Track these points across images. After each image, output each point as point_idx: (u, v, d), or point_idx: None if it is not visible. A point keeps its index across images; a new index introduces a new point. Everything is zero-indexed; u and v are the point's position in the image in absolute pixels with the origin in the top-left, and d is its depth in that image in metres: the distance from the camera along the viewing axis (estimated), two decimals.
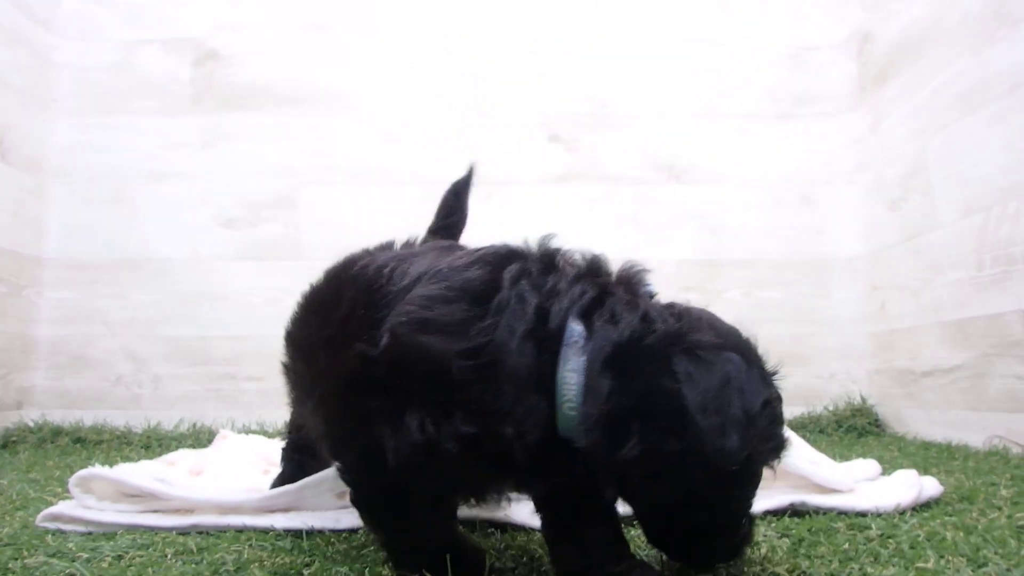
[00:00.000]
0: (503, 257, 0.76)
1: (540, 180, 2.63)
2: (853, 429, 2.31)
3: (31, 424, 2.39)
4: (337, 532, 1.03)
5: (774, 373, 0.80)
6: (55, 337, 2.53)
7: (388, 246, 0.98)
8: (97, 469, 1.17)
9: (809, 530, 1.00)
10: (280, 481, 1.22)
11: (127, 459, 1.96)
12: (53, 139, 2.59)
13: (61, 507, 1.14)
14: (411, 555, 0.78)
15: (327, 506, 1.11)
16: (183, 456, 1.61)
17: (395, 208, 2.42)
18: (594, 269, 0.79)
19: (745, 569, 0.81)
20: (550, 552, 0.82)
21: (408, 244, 0.98)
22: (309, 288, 0.99)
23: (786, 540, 0.95)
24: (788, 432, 1.37)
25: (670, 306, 0.79)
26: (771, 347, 2.75)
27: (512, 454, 0.68)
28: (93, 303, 2.55)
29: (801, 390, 2.47)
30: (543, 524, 0.82)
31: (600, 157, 2.65)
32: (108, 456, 2.03)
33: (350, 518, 1.05)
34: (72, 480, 1.16)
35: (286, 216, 2.60)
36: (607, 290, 0.75)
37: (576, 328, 0.71)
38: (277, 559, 0.91)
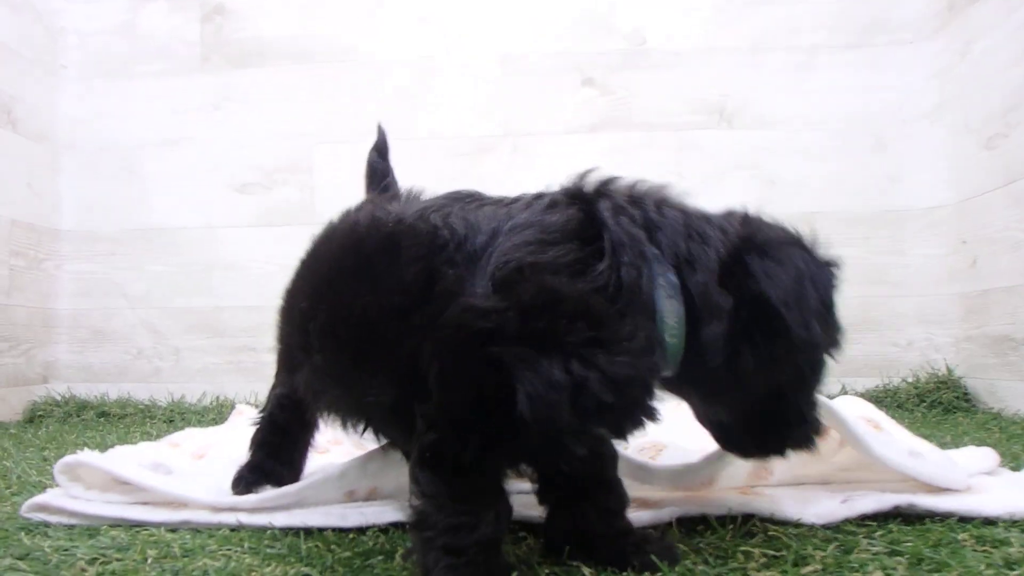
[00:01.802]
0: (572, 196, 0.76)
1: (572, 130, 2.42)
2: (938, 404, 2.05)
3: (57, 398, 2.34)
4: (342, 533, 0.89)
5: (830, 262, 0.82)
6: (76, 311, 2.47)
7: (385, 200, 0.90)
8: (84, 455, 1.05)
9: (927, 544, 0.78)
10: (248, 471, 1.07)
11: (147, 434, 1.88)
12: (61, 108, 2.50)
13: (47, 496, 1.03)
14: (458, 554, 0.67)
15: (332, 501, 0.97)
16: (189, 436, 1.50)
17: (415, 168, 2.25)
18: (658, 194, 0.82)
19: None
20: (551, 516, 0.80)
21: (412, 195, 0.89)
22: (321, 258, 0.93)
23: (900, 560, 0.74)
24: (881, 417, 1.19)
25: (730, 213, 0.83)
26: (839, 311, 2.51)
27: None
28: (111, 276, 2.47)
29: (874, 359, 2.24)
30: (545, 489, 0.80)
31: (639, 101, 2.42)
32: (129, 431, 1.96)
33: (357, 516, 0.91)
34: (57, 467, 1.05)
35: (301, 180, 2.46)
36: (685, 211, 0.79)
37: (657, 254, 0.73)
38: (267, 568, 0.77)
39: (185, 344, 2.43)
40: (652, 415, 0.72)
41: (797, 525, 0.88)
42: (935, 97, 2.30)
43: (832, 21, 2.36)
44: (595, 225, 0.71)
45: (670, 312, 0.70)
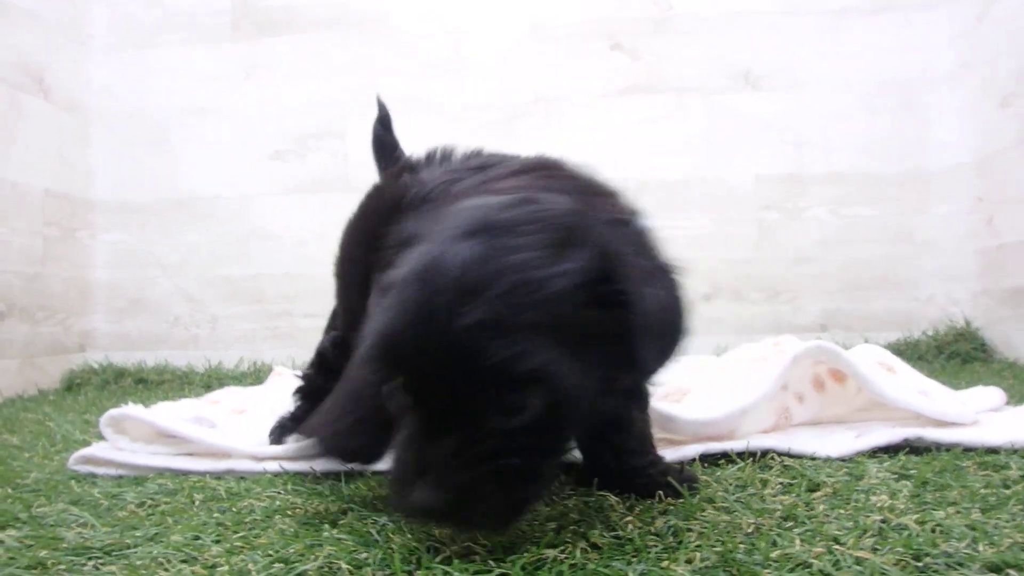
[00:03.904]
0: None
1: (602, 95, 2.41)
2: (956, 355, 2.08)
3: (95, 366, 2.41)
4: (384, 475, 0.93)
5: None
6: (112, 280, 2.52)
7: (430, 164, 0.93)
8: (129, 408, 1.10)
9: (932, 471, 0.82)
10: (289, 420, 1.12)
11: (183, 397, 1.94)
12: (92, 78, 2.53)
13: (93, 449, 1.08)
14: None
15: None
16: (229, 394, 1.55)
17: (449, 137, 2.27)
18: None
19: (864, 519, 0.66)
20: (584, 453, 0.84)
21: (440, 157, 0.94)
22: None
23: (907, 483, 0.78)
24: (895, 361, 1.19)
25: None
26: (862, 268, 2.52)
27: None
28: (146, 245, 2.52)
29: (896, 314, 2.24)
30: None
31: (668, 66, 2.39)
32: (168, 397, 2.01)
33: None
34: (103, 419, 1.09)
35: (334, 146, 2.48)
36: None
37: None
38: (311, 506, 0.81)
39: (222, 311, 2.48)
40: None
41: (812, 458, 0.92)
42: (957, 58, 2.26)
43: None
44: None
45: None
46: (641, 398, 0.83)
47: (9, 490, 0.94)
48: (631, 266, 0.61)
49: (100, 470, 1.04)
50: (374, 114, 1.26)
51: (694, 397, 1.11)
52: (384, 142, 1.29)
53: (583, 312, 0.58)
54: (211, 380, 2.27)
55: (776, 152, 2.34)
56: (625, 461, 0.80)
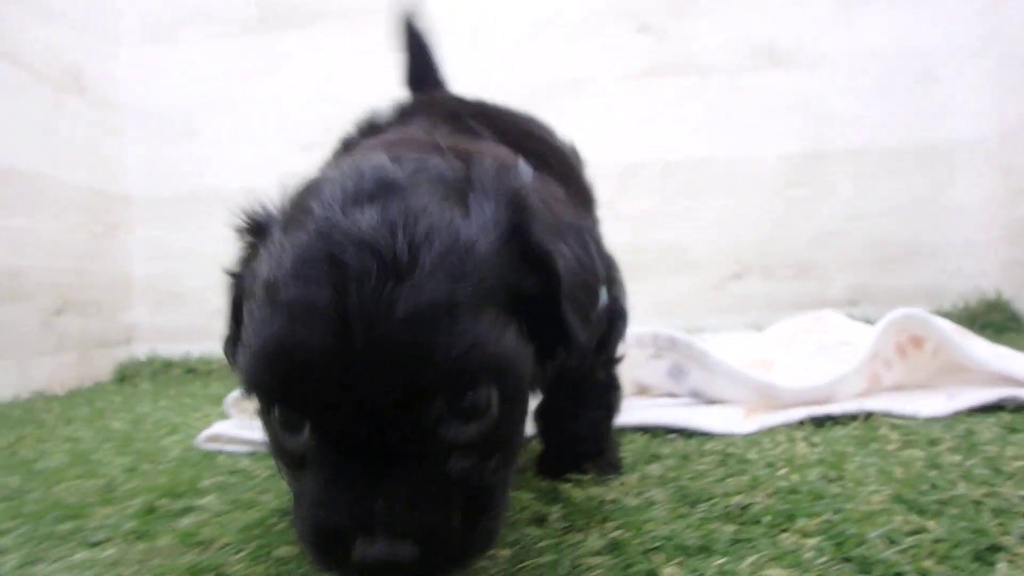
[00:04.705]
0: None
1: (626, 76, 2.45)
2: (989, 325, 2.13)
3: (142, 358, 2.45)
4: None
5: None
6: (150, 274, 2.55)
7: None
8: None
9: None
10: None
11: (236, 384, 1.98)
12: (122, 74, 2.54)
13: (219, 427, 1.13)
14: None
15: None
16: None
17: None
18: None
19: (1004, 466, 0.73)
20: (542, 430, 0.83)
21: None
22: None
23: (1020, 435, 0.84)
24: (949, 323, 1.26)
25: None
26: (889, 242, 2.59)
27: None
28: (181, 238, 2.54)
29: (924, 287, 2.32)
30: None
31: (692, 46, 2.45)
32: (225, 384, 2.06)
33: None
34: (227, 400, 1.15)
35: None
36: None
37: None
38: None
39: None
40: None
41: (913, 418, 0.99)
42: (980, 30, 2.33)
43: None
44: None
45: None
46: (593, 384, 0.81)
47: (161, 466, 0.99)
48: (542, 219, 0.52)
49: (228, 447, 1.10)
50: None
51: (781, 367, 1.19)
52: (415, 43, 1.20)
53: (509, 277, 0.48)
54: None
55: (800, 128, 2.41)
56: (571, 448, 0.81)
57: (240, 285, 0.56)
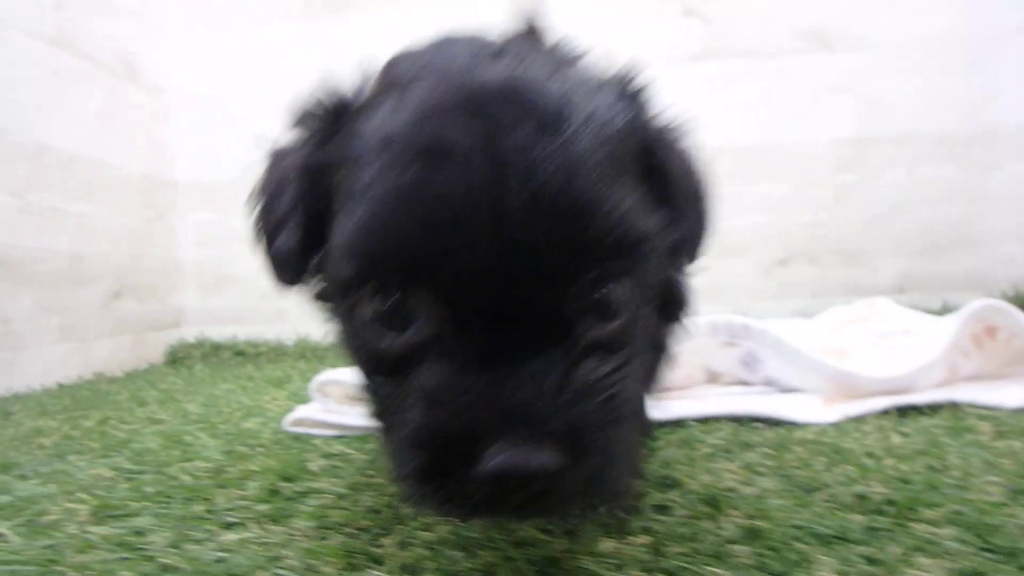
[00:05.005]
0: None
1: (672, 60, 2.45)
2: None
3: (191, 340, 2.50)
4: None
5: None
6: (199, 258, 2.59)
7: None
8: (332, 373, 1.18)
9: None
10: None
11: (294, 368, 2.02)
12: (170, 61, 2.56)
13: (302, 411, 1.16)
14: None
15: None
16: None
17: None
18: None
19: None
20: None
21: None
22: None
23: None
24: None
25: None
26: (938, 229, 2.58)
27: None
28: (228, 223, 2.58)
29: (973, 276, 2.31)
30: None
31: (738, 30, 2.43)
32: (278, 366, 2.10)
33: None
34: (312, 384, 1.18)
35: None
36: None
37: None
38: None
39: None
40: None
41: (997, 409, 1.00)
42: None
43: None
44: None
45: None
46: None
47: (259, 450, 1.03)
48: (659, 120, 0.49)
49: (314, 431, 1.13)
50: None
51: (856, 356, 1.20)
52: None
53: (634, 164, 0.43)
54: (304, 351, 2.36)
55: (849, 113, 2.39)
56: None
57: (312, 176, 0.48)
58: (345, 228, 0.39)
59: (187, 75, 2.59)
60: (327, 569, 0.57)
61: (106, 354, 2.10)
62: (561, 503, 0.36)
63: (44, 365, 1.86)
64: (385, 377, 0.42)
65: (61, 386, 1.87)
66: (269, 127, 2.64)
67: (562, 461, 0.34)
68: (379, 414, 0.45)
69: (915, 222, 2.36)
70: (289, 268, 0.53)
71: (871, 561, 0.52)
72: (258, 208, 0.55)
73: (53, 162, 1.90)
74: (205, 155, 2.60)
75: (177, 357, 2.40)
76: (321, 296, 0.57)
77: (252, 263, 2.51)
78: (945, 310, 2.17)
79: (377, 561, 0.58)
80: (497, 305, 0.36)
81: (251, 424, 1.22)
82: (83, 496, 0.83)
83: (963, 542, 0.54)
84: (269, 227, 0.53)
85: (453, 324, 0.37)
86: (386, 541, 0.62)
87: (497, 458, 0.33)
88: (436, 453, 0.36)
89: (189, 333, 2.54)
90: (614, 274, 0.39)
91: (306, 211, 0.49)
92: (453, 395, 0.36)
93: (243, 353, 2.40)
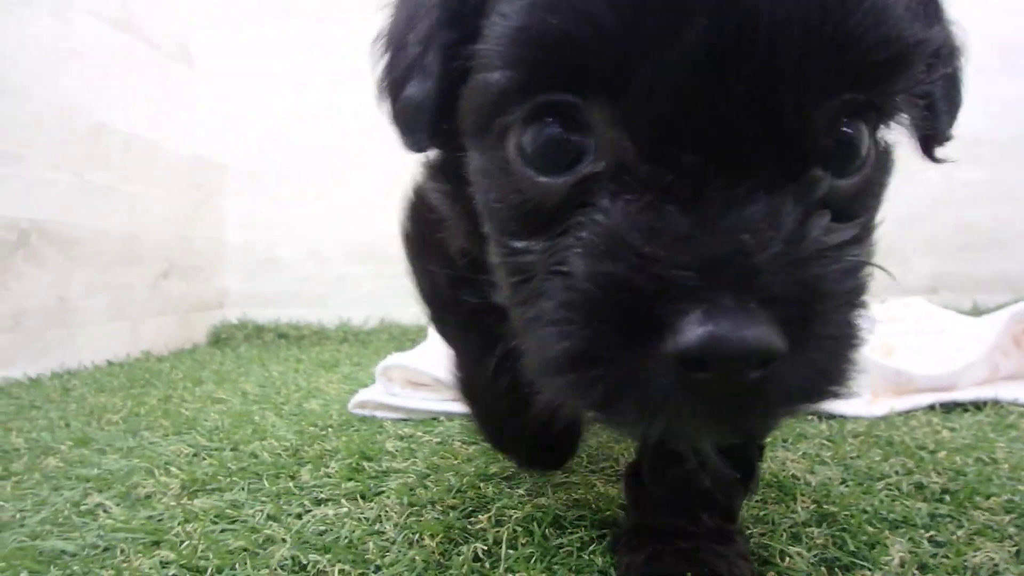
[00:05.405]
0: None
1: None
2: None
3: (234, 322, 2.56)
4: None
5: None
6: (244, 241, 2.65)
7: None
8: (396, 357, 1.23)
9: None
10: None
11: (336, 351, 2.08)
12: (225, 47, 2.61)
13: (366, 394, 1.21)
14: None
15: None
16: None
17: None
18: None
19: None
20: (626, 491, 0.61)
21: None
22: None
23: None
24: None
25: None
26: (973, 230, 2.60)
27: None
28: (274, 208, 2.63)
29: (1007, 277, 2.33)
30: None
31: None
32: (320, 348, 2.16)
33: None
34: (378, 369, 1.23)
35: None
36: None
37: None
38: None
39: (348, 271, 2.62)
40: None
41: None
42: None
43: None
44: None
45: None
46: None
47: (330, 429, 1.08)
48: None
49: (379, 413, 1.18)
50: None
51: (901, 353, 1.23)
52: None
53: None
54: (346, 335, 2.42)
55: None
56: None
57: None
58: (504, 17, 0.30)
59: (239, 61, 2.63)
60: (429, 542, 0.62)
61: (152, 333, 2.16)
62: (779, 402, 0.27)
63: (95, 343, 1.93)
64: (531, 236, 0.32)
65: (111, 363, 1.94)
66: (312, 113, 2.67)
67: (786, 342, 0.25)
68: (512, 294, 0.34)
69: (950, 222, 2.37)
70: (422, 120, 0.41)
71: (937, 544, 0.57)
72: (384, 57, 0.46)
73: (111, 143, 1.97)
74: (253, 140, 2.65)
75: (220, 338, 2.47)
76: (442, 165, 0.47)
77: (296, 247, 2.61)
78: (976, 311, 2.20)
79: (475, 536, 0.63)
80: (709, 124, 0.27)
81: (314, 406, 1.28)
82: (172, 470, 0.88)
83: (1021, 528, 0.58)
84: (397, 74, 0.44)
85: (644, 149, 0.28)
86: (481, 518, 0.66)
87: (699, 329, 0.24)
88: (605, 322, 0.26)
89: (232, 314, 2.61)
90: (871, 105, 0.31)
91: (445, 49, 0.39)
92: (635, 243, 0.26)
93: (285, 336, 2.46)
